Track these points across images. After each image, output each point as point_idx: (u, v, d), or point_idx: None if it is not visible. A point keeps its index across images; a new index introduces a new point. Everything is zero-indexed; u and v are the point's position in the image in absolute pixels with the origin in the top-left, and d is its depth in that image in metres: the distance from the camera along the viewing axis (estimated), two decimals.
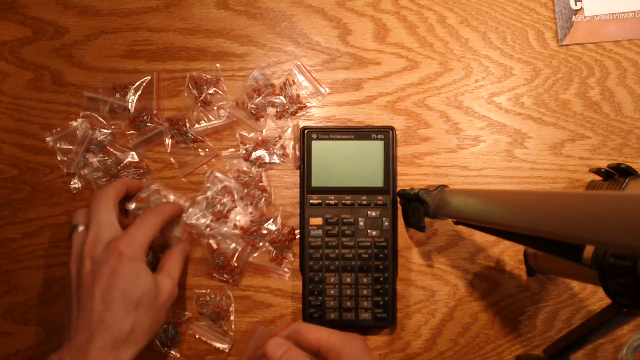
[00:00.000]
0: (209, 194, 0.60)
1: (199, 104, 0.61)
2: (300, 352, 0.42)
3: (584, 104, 0.62)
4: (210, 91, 0.62)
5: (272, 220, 0.60)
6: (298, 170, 0.60)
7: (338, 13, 0.63)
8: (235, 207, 0.60)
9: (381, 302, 0.57)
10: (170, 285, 0.51)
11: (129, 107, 0.61)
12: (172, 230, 0.57)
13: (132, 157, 0.61)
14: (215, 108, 0.62)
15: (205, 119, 0.62)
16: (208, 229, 0.59)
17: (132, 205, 0.56)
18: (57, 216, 0.61)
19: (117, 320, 0.46)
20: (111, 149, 0.61)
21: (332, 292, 0.58)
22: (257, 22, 0.63)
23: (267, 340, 0.44)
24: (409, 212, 0.58)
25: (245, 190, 0.60)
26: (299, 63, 0.62)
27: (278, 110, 0.62)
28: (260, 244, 0.60)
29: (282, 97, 0.62)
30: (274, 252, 0.60)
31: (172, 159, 0.62)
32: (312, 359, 0.43)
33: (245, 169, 0.61)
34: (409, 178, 0.61)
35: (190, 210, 0.59)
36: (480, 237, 0.61)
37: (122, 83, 0.62)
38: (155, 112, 0.62)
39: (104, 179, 0.61)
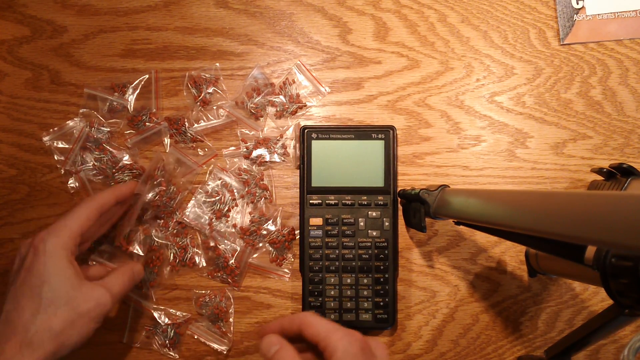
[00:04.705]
0: (209, 188, 0.60)
1: (198, 103, 0.61)
2: (292, 352, 0.41)
3: (586, 103, 0.61)
4: (210, 90, 0.61)
5: (271, 220, 0.60)
6: (298, 170, 0.60)
7: (338, 12, 0.63)
8: (236, 205, 0.60)
9: (382, 303, 0.57)
10: (103, 296, 0.46)
11: (128, 106, 0.61)
12: (128, 222, 0.51)
13: (127, 159, 0.60)
14: (214, 107, 0.61)
15: (205, 118, 0.61)
16: (208, 228, 0.59)
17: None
18: (55, 216, 0.61)
19: (21, 319, 0.42)
20: (108, 147, 0.60)
21: (332, 292, 0.57)
22: (257, 21, 0.63)
23: (262, 332, 0.43)
24: (410, 212, 0.57)
25: (247, 189, 0.60)
26: (298, 62, 0.62)
27: (278, 109, 0.61)
28: (260, 244, 0.60)
29: (281, 97, 0.61)
30: (274, 252, 0.60)
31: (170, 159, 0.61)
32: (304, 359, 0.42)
33: (245, 167, 0.61)
34: (409, 178, 0.61)
35: (189, 206, 0.58)
36: (482, 237, 0.60)
37: (120, 82, 0.61)
38: (154, 111, 0.61)
39: (100, 177, 0.60)
